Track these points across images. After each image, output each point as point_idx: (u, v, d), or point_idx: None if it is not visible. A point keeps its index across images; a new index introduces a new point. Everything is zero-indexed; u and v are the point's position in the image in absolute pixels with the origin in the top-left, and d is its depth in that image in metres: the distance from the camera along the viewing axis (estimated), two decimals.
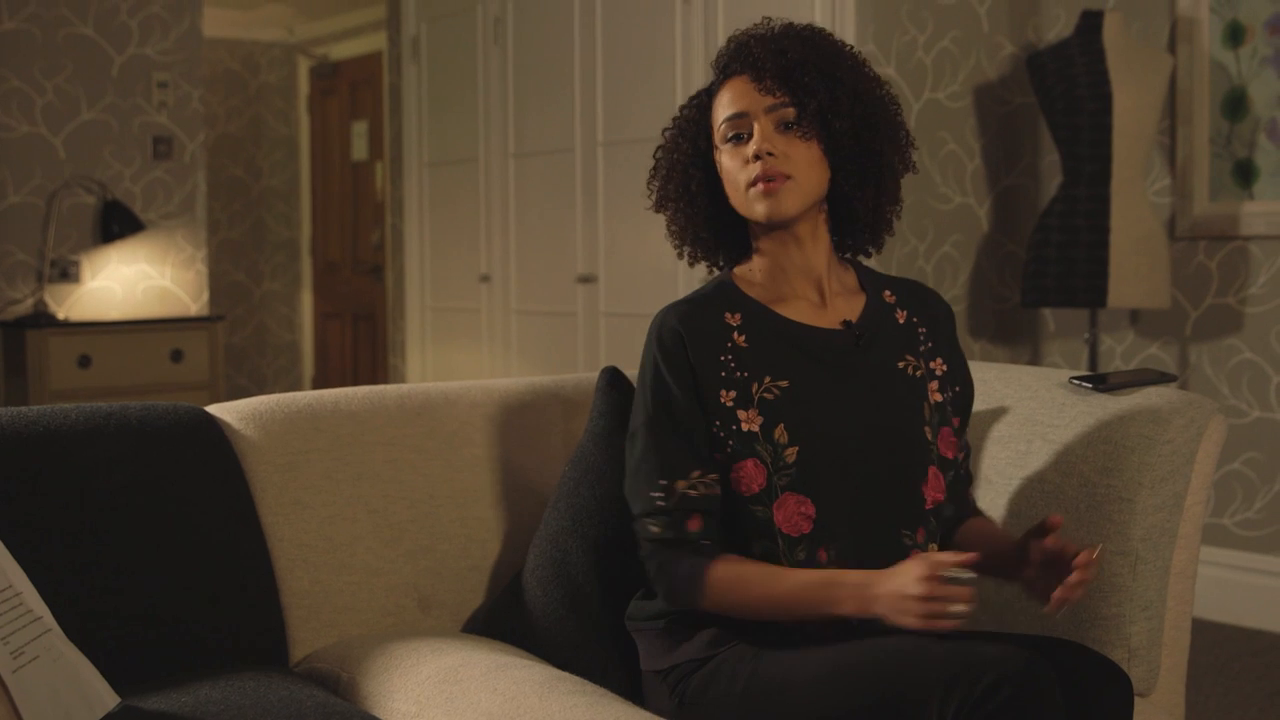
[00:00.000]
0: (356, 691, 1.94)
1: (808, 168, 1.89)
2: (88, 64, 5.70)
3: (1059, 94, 4.17)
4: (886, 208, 1.96)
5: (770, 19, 1.99)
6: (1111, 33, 4.17)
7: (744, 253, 2.00)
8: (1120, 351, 4.50)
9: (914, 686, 1.61)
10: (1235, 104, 4.23)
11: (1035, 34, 4.66)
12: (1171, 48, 4.33)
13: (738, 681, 1.78)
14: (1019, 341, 4.73)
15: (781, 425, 1.85)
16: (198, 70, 6.01)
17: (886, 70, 4.25)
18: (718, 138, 1.94)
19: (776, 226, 1.92)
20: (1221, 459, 4.23)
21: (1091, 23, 4.20)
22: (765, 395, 1.86)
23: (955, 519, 2.01)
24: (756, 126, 1.89)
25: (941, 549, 1.97)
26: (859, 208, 1.94)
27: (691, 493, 1.85)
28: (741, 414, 1.86)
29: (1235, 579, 4.21)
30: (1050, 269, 4.15)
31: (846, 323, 1.94)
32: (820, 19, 4.22)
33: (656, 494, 1.86)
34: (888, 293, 2.01)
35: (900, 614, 1.70)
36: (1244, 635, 4.08)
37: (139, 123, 5.83)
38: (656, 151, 2.03)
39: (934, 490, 1.91)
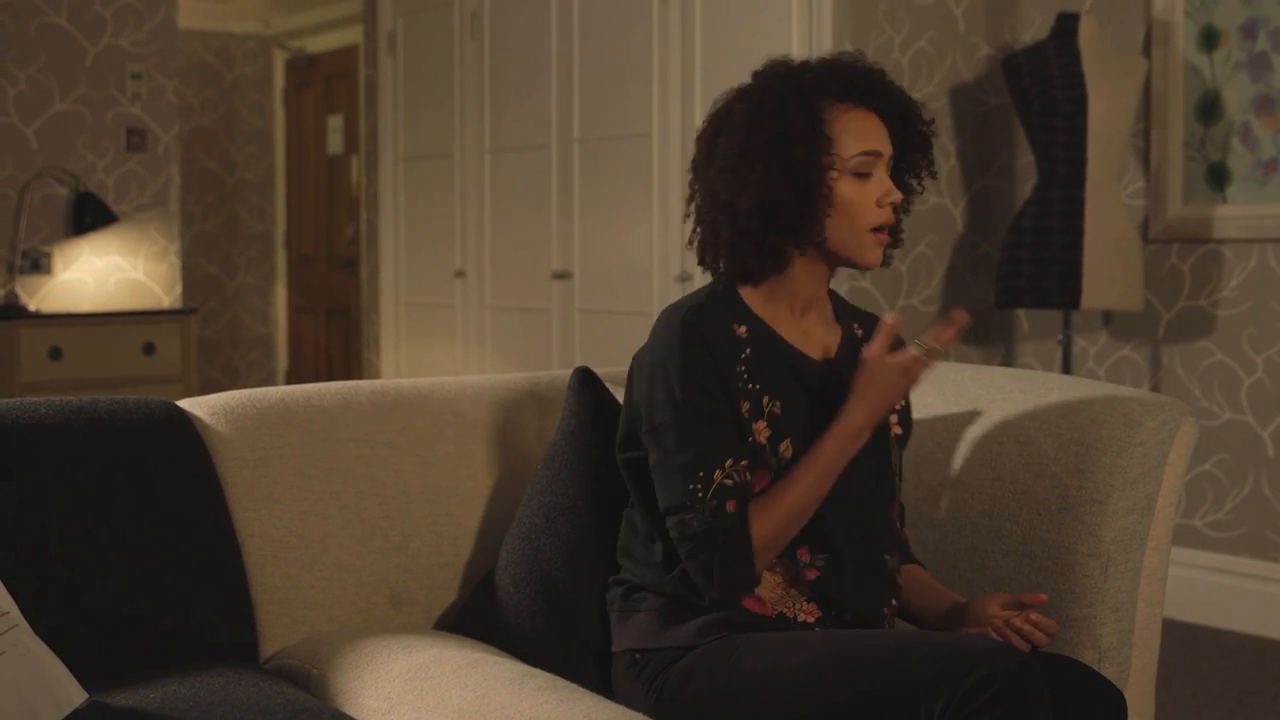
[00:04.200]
0: (327, 688, 1.93)
1: None
2: (61, 55, 5.66)
3: (1034, 96, 4.18)
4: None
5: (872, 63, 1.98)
6: (1087, 35, 4.18)
7: (747, 273, 1.93)
8: (1093, 353, 4.52)
9: (902, 680, 1.62)
10: (1209, 107, 4.24)
11: (1011, 35, 4.67)
12: (1146, 51, 4.35)
13: (719, 675, 1.78)
14: (992, 342, 4.75)
15: (787, 440, 1.87)
16: (172, 62, 5.97)
17: None
18: (841, 163, 1.87)
19: (836, 263, 1.94)
20: (1193, 461, 4.25)
21: (1067, 25, 4.21)
22: (772, 410, 1.88)
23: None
24: (884, 172, 1.91)
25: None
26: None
27: (728, 482, 1.84)
28: (755, 425, 1.87)
29: (1205, 580, 4.23)
30: (1024, 270, 4.16)
31: (827, 361, 1.96)
32: (797, 19, 4.22)
33: (695, 485, 1.83)
34: (856, 326, 2.04)
35: (888, 389, 1.83)
36: (1213, 635, 4.10)
37: (112, 114, 5.80)
38: (728, 131, 1.90)
39: (896, 517, 2.01)
